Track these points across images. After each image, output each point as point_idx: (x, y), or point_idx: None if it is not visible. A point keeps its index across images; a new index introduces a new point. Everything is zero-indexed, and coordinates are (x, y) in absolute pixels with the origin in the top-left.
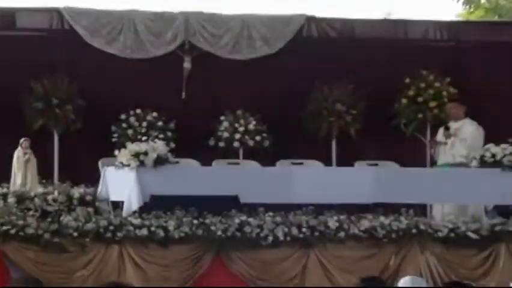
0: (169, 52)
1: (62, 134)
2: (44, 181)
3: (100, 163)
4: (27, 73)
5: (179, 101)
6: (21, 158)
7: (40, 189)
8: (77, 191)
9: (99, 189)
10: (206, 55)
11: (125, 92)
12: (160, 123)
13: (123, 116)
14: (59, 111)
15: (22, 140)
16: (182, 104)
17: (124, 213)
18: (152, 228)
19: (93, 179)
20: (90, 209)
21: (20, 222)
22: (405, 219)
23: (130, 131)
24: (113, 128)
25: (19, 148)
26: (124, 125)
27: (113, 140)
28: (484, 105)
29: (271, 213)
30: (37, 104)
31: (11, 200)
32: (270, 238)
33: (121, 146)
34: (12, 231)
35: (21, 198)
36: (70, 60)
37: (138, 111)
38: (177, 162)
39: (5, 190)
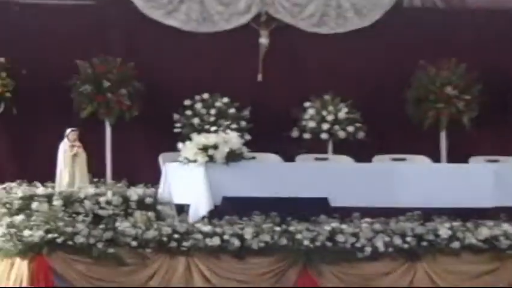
0: (242, 25)
1: (115, 123)
2: (95, 180)
3: (160, 158)
4: (74, 51)
5: (255, 84)
6: (68, 153)
7: (91, 190)
8: (134, 192)
9: (160, 189)
10: (286, 28)
11: (190, 74)
12: (232, 111)
13: (188, 102)
14: (112, 96)
15: (69, 130)
16: (258, 88)
17: (191, 218)
18: (226, 237)
19: (153, 177)
20: (150, 214)
21: (69, 229)
22: None
23: (196, 120)
24: (175, 116)
25: (65, 140)
26: (188, 112)
27: (176, 130)
28: None
29: (368, 220)
30: (85, 87)
31: (57, 202)
32: (368, 249)
33: (186, 138)
34: (59, 240)
35: (68, 200)
36: (124, 35)
37: (205, 96)
38: (253, 157)
39: (49, 190)
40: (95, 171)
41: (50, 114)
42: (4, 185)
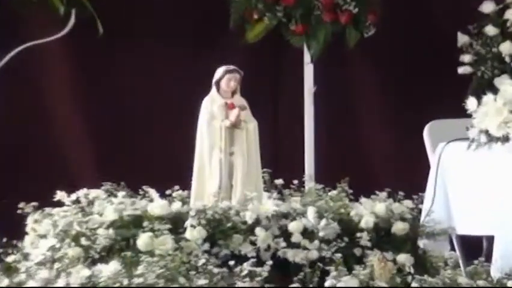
0: None
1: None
2: (276, 183)
3: (426, 133)
4: None
5: None
6: (218, 122)
7: (270, 206)
8: (368, 211)
9: (427, 202)
10: None
11: None
12: None
13: (488, 8)
14: None
15: (222, 71)
16: None
17: (496, 268)
18: None
19: (407, 174)
20: (404, 259)
21: None
22: None
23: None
24: (461, 38)
25: (213, 94)
26: (490, 29)
27: (461, 71)
28: None
29: None
30: None
31: (193, 234)
32: None
33: (482, 87)
34: None
35: (219, 228)
36: None
37: None
38: None
39: (176, 207)
40: (281, 163)
41: (169, 38)
42: (75, 194)
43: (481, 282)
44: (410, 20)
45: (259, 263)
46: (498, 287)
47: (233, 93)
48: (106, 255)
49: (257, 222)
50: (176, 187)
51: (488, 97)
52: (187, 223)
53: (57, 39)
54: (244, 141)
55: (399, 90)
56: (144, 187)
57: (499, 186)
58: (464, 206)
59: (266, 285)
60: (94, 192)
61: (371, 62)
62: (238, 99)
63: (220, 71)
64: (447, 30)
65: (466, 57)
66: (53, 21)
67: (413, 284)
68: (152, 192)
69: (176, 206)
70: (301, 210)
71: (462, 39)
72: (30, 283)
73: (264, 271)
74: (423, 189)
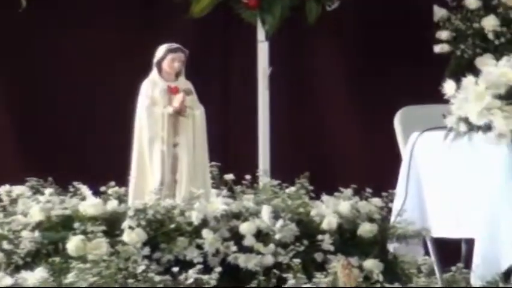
0: None
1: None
2: (227, 178)
3: (397, 121)
4: None
5: None
6: (161, 108)
7: (219, 205)
8: (330, 211)
9: (398, 200)
10: None
11: None
12: None
13: None
14: None
15: (163, 49)
16: None
17: (477, 275)
18: None
19: (373, 168)
20: (371, 265)
21: None
22: None
23: (489, 22)
24: (438, 11)
25: (153, 77)
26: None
27: (438, 50)
28: None
29: None
30: None
31: (131, 237)
32: None
33: (462, 68)
34: None
35: (161, 229)
36: None
37: None
38: None
39: (112, 205)
40: (231, 155)
41: (104, 11)
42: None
43: None
44: None
45: (207, 269)
46: None
47: (177, 75)
48: (32, 261)
49: (204, 223)
50: (112, 183)
51: (468, 80)
52: (125, 224)
53: None
54: (190, 130)
55: (366, 72)
56: (75, 183)
57: (480, 182)
58: (440, 205)
59: None
60: (17, 189)
61: (334, 40)
62: (183, 83)
63: (161, 50)
64: (421, 2)
65: (443, 34)
66: None
67: None
68: (85, 189)
69: (112, 204)
70: (255, 210)
71: (439, 13)
72: None
73: (212, 279)
74: (393, 185)
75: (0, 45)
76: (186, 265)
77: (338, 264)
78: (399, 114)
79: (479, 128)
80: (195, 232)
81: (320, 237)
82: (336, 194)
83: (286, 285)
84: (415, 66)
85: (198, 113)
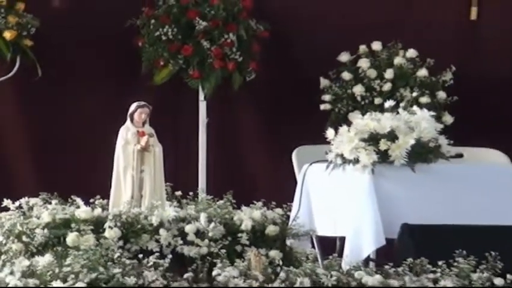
0: None
1: (213, 94)
2: (178, 194)
3: (295, 157)
4: None
5: (465, 25)
6: (132, 146)
7: (171, 212)
8: (247, 216)
9: (293, 211)
10: None
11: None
12: (422, 73)
13: (344, 58)
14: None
15: (134, 106)
16: (471, 33)
17: (347, 261)
18: None
19: (279, 188)
20: (274, 254)
21: (130, 280)
22: None
23: (358, 89)
24: (323, 82)
25: (127, 125)
26: (346, 75)
27: (323, 107)
28: None
29: None
30: (164, 30)
31: (110, 233)
32: None
33: (339, 120)
34: None
35: (131, 229)
36: None
37: (376, 46)
38: (460, 155)
39: (97, 212)
40: (179, 178)
41: (95, 79)
42: (19, 202)
43: (334, 273)
44: (283, 66)
45: (162, 256)
46: (347, 276)
47: (144, 123)
48: (42, 249)
49: (161, 224)
50: (98, 197)
51: (343, 128)
52: (106, 225)
53: (5, 79)
54: (152, 161)
55: (274, 122)
56: (72, 196)
57: (349, 197)
58: (322, 213)
59: (167, 274)
60: (32, 200)
61: (252, 100)
62: (148, 128)
63: (133, 106)
64: (312, 75)
65: (327, 97)
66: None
67: (281, 274)
68: (79, 201)
69: (98, 211)
70: (195, 216)
71: (323, 82)
72: None
73: (165, 263)
74: (291, 199)
75: (26, 98)
76: (148, 253)
77: (251, 253)
78: (296, 151)
79: (350, 161)
80: (154, 231)
81: (239, 235)
82: (251, 205)
83: (215, 268)
84: (308, 119)
85: (157, 149)
